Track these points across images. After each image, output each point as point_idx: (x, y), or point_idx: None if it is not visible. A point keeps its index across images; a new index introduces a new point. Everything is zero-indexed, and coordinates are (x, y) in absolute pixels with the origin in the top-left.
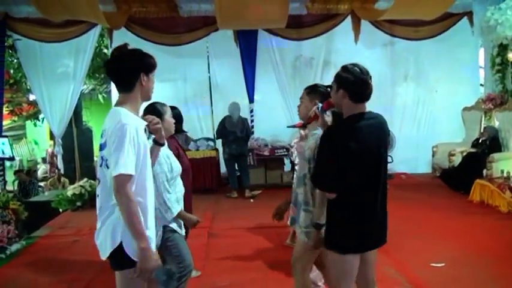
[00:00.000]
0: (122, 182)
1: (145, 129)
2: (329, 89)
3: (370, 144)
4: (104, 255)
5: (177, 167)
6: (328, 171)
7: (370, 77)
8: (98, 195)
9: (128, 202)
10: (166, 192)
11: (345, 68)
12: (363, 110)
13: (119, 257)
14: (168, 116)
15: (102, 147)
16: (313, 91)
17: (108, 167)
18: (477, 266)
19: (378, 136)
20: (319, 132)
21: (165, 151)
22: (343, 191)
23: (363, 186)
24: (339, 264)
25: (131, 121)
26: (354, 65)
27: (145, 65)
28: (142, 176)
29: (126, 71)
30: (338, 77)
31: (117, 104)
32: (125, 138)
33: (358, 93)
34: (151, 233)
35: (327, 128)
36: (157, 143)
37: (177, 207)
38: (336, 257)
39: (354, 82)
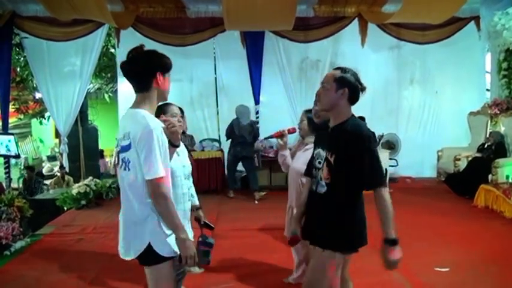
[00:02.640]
0: (157, 184)
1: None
2: None
3: None
4: (129, 255)
5: (189, 166)
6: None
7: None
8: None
9: (165, 202)
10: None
11: (345, 70)
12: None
13: (149, 255)
14: (169, 115)
15: (125, 148)
16: None
17: (129, 169)
18: (481, 271)
19: None
20: None
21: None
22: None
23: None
24: (337, 264)
25: (157, 125)
26: (349, 68)
27: (162, 64)
28: (167, 174)
29: (142, 71)
30: (341, 78)
31: (134, 105)
32: (153, 143)
33: (356, 96)
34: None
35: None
36: (173, 145)
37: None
38: (338, 257)
39: (356, 85)
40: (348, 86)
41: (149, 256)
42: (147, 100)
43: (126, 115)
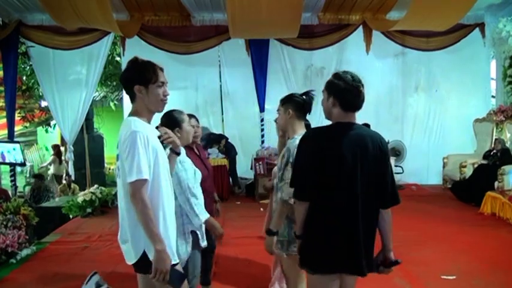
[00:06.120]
0: (137, 187)
1: (159, 138)
2: (304, 97)
3: (346, 154)
4: (129, 261)
5: (199, 173)
6: (306, 179)
7: (362, 85)
8: (119, 203)
9: (143, 207)
10: (194, 198)
11: (336, 75)
12: (352, 120)
13: (143, 262)
14: (186, 124)
15: (117, 157)
16: (287, 101)
17: (120, 176)
18: (488, 278)
19: (355, 149)
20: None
21: (187, 158)
22: (316, 203)
23: (335, 202)
24: (312, 283)
25: (141, 128)
26: (346, 72)
27: (139, 77)
28: (156, 182)
29: (123, 83)
30: (329, 84)
31: (129, 114)
32: (136, 144)
33: (349, 101)
34: (171, 235)
35: (304, 134)
36: (174, 152)
37: (205, 214)
38: (308, 276)
39: (345, 89)
40: (334, 93)
41: (145, 264)
42: (137, 110)
43: (122, 124)
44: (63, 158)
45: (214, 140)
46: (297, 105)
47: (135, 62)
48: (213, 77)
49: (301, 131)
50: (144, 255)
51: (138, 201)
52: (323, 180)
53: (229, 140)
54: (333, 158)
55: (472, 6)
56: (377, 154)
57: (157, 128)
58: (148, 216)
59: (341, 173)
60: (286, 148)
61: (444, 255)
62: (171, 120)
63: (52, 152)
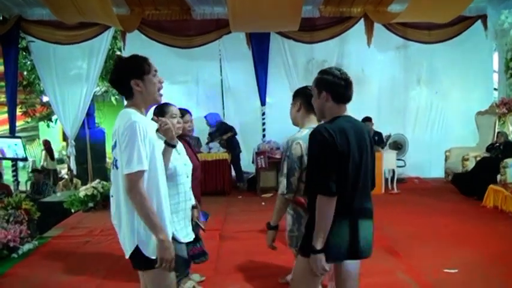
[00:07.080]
0: (135, 178)
1: (156, 130)
2: None
3: (353, 146)
4: (127, 255)
5: (190, 163)
6: (331, 175)
7: (350, 77)
8: (111, 196)
9: (141, 199)
10: None
11: (323, 71)
12: (344, 113)
13: (138, 257)
14: (169, 116)
15: (113, 148)
16: (298, 94)
17: (117, 167)
18: (490, 272)
19: (358, 140)
20: (300, 135)
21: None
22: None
23: (341, 191)
24: (305, 268)
25: (140, 120)
26: (331, 67)
27: (134, 71)
28: (153, 174)
29: (117, 82)
30: (318, 80)
31: (126, 107)
32: (136, 135)
33: (340, 93)
34: (168, 227)
35: (314, 129)
36: (169, 145)
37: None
38: (303, 261)
39: (335, 82)
40: (325, 87)
41: (139, 259)
42: (135, 105)
43: (118, 115)
44: (64, 152)
45: (224, 129)
46: (306, 97)
47: (122, 60)
48: (213, 71)
49: (310, 125)
50: (136, 251)
51: (135, 193)
52: (339, 174)
53: (235, 136)
54: (345, 152)
55: None
56: (369, 144)
57: (152, 119)
58: (147, 208)
59: (351, 167)
60: (286, 142)
61: (446, 248)
62: (155, 109)
63: (43, 147)
